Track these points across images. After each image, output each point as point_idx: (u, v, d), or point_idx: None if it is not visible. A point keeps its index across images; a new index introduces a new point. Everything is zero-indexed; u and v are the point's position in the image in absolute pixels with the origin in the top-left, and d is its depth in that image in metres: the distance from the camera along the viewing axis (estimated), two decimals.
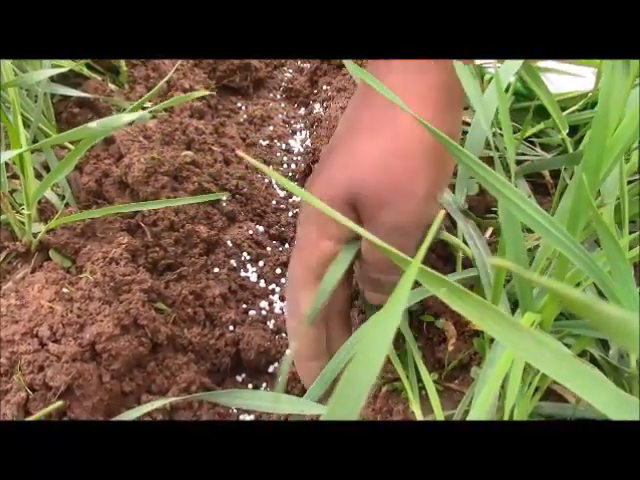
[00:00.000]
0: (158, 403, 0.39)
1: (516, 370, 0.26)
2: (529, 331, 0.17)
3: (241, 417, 0.48)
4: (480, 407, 0.30)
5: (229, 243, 0.58)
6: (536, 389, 0.35)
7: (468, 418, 0.30)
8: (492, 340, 0.40)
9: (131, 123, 0.62)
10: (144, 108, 0.60)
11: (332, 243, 0.36)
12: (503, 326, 0.17)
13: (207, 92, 0.44)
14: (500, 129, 0.52)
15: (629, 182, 0.43)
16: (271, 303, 0.56)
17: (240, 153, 0.19)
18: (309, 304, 0.34)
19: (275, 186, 0.69)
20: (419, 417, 0.36)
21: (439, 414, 0.35)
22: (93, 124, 0.35)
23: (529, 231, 0.46)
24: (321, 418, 0.35)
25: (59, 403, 0.28)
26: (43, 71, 0.48)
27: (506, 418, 0.29)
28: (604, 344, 0.39)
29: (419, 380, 0.40)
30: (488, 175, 0.29)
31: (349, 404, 0.17)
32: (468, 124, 0.61)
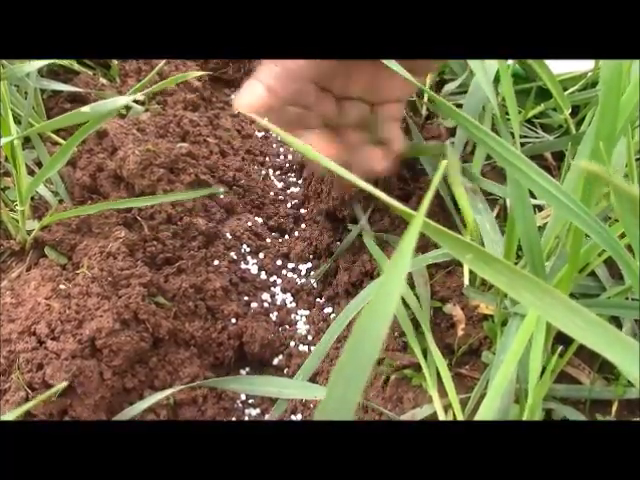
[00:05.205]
0: (162, 394, 0.38)
1: (537, 345, 0.25)
2: (561, 297, 0.16)
3: (247, 411, 0.46)
4: (496, 390, 0.29)
5: (228, 235, 0.56)
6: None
7: (484, 402, 0.29)
8: (503, 323, 0.39)
9: (124, 116, 0.60)
10: (136, 101, 0.59)
11: None
12: (534, 292, 0.16)
13: (202, 73, 0.43)
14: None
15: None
16: (273, 295, 0.55)
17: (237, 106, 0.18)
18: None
19: (272, 177, 0.68)
20: (436, 403, 0.35)
21: (454, 399, 0.34)
22: (86, 108, 0.34)
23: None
24: (319, 401, 0.34)
25: (62, 385, 0.27)
26: (32, 63, 0.46)
27: (523, 400, 0.28)
28: (617, 322, 0.39)
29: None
30: (496, 144, 0.28)
31: (350, 385, 0.16)
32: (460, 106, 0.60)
